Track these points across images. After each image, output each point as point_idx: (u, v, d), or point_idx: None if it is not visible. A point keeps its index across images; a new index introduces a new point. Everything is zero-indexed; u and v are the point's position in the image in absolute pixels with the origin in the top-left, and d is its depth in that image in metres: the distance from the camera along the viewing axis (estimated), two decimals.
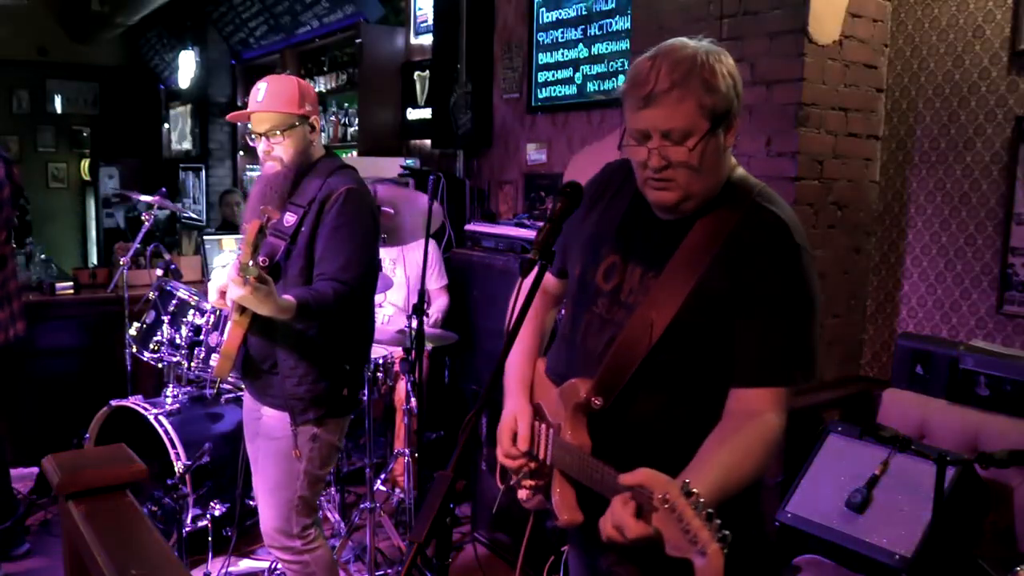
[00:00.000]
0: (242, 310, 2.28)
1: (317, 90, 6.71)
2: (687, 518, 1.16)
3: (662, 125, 1.40)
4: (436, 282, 4.11)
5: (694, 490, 1.18)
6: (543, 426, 1.63)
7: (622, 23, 3.98)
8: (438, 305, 4.13)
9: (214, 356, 3.23)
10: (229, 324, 2.33)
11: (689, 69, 1.38)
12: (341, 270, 2.30)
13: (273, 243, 2.38)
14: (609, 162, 1.72)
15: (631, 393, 1.50)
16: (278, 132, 2.39)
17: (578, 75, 4.28)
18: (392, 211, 3.54)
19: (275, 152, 2.42)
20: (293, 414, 2.39)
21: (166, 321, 3.31)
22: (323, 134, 6.57)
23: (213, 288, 2.33)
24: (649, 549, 1.28)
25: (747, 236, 1.45)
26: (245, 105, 2.49)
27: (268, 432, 2.46)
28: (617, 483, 1.32)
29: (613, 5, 4.04)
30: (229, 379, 3.27)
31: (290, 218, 2.38)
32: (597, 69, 4.17)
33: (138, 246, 4.07)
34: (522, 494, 1.71)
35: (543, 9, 4.48)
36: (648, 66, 1.41)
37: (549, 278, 1.79)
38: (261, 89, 2.43)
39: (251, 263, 2.01)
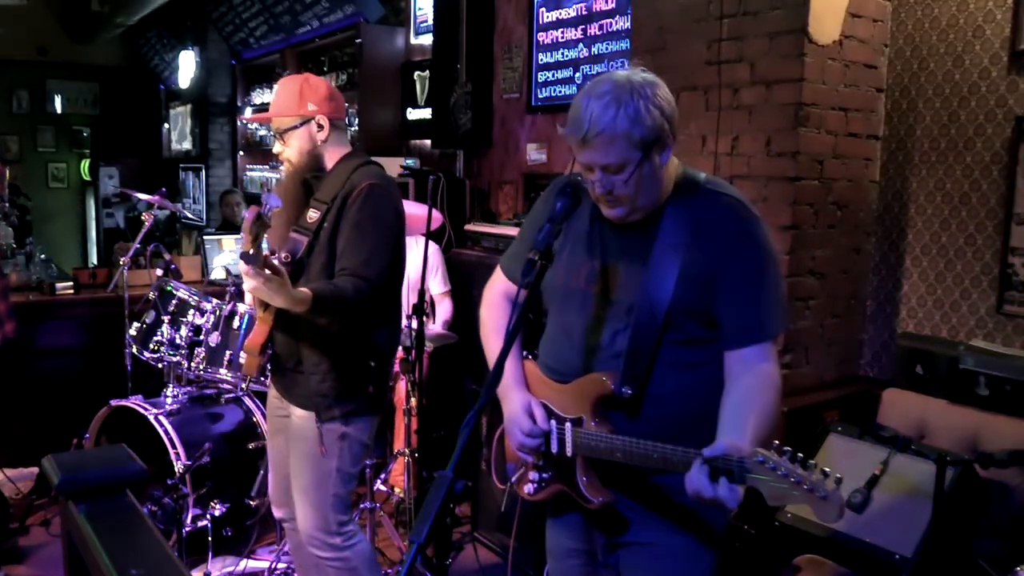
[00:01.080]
0: (265, 307, 2.29)
1: None
2: (793, 470, 1.31)
3: (599, 161, 1.57)
4: (440, 287, 4.09)
5: (786, 448, 1.33)
6: (553, 422, 1.72)
7: (622, 23, 3.98)
8: (442, 312, 4.11)
9: (218, 355, 3.23)
10: (256, 322, 2.35)
11: (616, 112, 1.53)
12: (362, 265, 2.29)
13: (296, 239, 2.38)
14: (558, 178, 1.87)
15: (649, 381, 1.64)
16: (280, 134, 2.41)
17: (578, 75, 4.28)
18: None
19: (284, 153, 2.44)
20: (318, 411, 2.39)
21: (166, 321, 3.31)
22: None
23: (247, 288, 2.35)
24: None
25: (710, 218, 1.64)
26: (246, 105, 2.51)
27: (298, 433, 2.45)
28: (699, 460, 1.43)
29: (613, 5, 4.04)
30: (229, 378, 3.27)
31: (313, 214, 2.37)
32: (597, 69, 4.16)
33: (138, 246, 4.06)
34: (528, 488, 1.78)
35: (543, 9, 4.48)
36: (581, 108, 1.56)
37: (513, 289, 1.91)
38: (272, 92, 2.46)
39: (252, 251, 1.99)
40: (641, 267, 1.64)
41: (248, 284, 2.09)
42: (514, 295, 1.90)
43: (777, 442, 1.35)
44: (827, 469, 1.30)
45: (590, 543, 1.82)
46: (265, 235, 2.22)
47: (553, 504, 1.86)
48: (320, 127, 2.41)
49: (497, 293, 1.96)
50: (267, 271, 2.01)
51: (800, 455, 1.32)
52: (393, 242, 2.40)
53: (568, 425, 1.68)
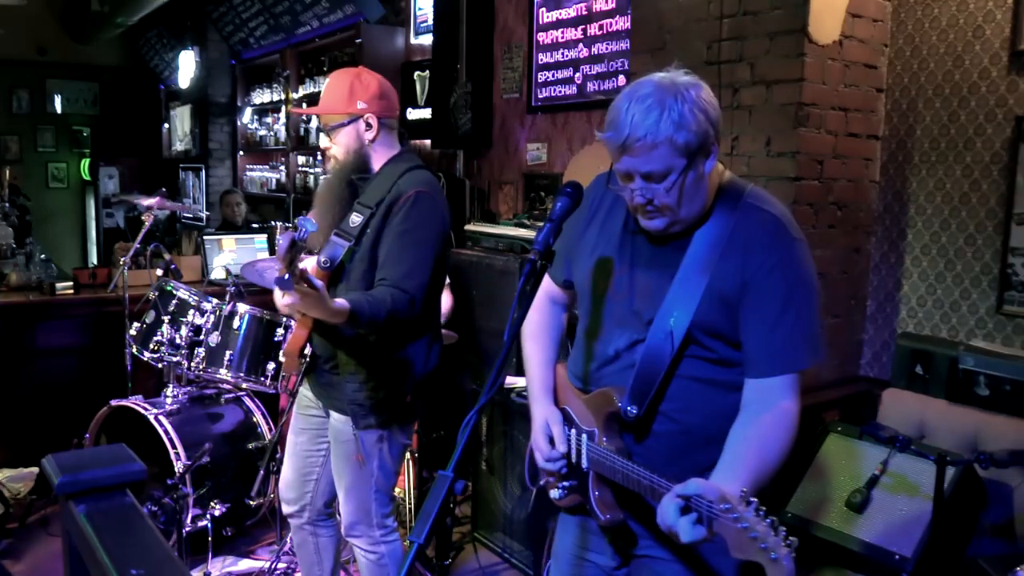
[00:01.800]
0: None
1: (316, 90, 6.70)
2: (752, 524, 1.24)
3: (641, 168, 1.48)
4: None
5: (752, 499, 1.26)
6: (573, 431, 1.70)
7: (622, 23, 3.98)
8: (443, 305, 4.10)
9: (218, 355, 3.23)
10: (294, 323, 2.34)
11: (659, 115, 1.43)
12: (403, 278, 2.22)
13: (337, 243, 2.32)
14: (600, 174, 1.78)
15: (662, 397, 1.58)
16: (328, 130, 2.37)
17: (578, 75, 4.28)
18: None
19: (331, 150, 2.40)
20: (355, 418, 2.37)
21: (166, 321, 3.31)
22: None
23: (278, 294, 2.31)
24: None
25: (746, 236, 1.53)
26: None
27: (338, 436, 2.45)
28: (671, 493, 1.37)
29: (613, 5, 4.05)
30: (229, 378, 3.27)
31: (356, 218, 2.31)
32: (597, 69, 4.17)
33: (138, 246, 4.06)
34: (554, 493, 1.76)
35: (543, 9, 4.48)
36: (622, 111, 1.46)
37: (555, 289, 1.88)
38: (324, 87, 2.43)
39: (287, 276, 1.90)
40: (668, 280, 1.56)
41: (284, 300, 2.06)
42: (555, 295, 1.89)
43: (745, 489, 1.28)
44: (784, 529, 1.23)
45: (598, 552, 1.79)
46: (300, 258, 2.14)
47: (569, 508, 1.84)
48: (369, 126, 2.35)
49: (539, 291, 1.88)
50: (304, 285, 1.94)
51: (764, 509, 1.25)
52: (437, 254, 2.32)
53: (584, 437, 1.66)
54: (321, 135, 2.43)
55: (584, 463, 1.66)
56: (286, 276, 1.88)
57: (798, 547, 1.23)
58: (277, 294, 2.13)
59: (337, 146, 2.38)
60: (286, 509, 2.70)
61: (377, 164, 2.40)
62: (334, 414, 2.45)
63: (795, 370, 1.52)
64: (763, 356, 1.52)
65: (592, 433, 1.64)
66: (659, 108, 1.44)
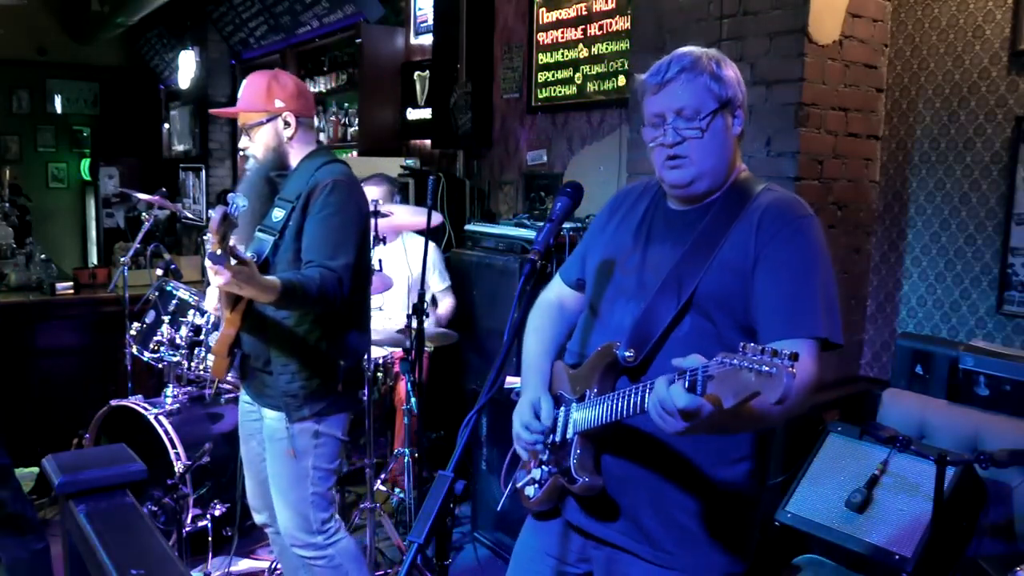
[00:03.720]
0: (232, 306, 2.28)
1: (316, 90, 6.69)
2: (751, 353, 1.17)
3: (675, 104, 1.58)
4: (440, 283, 4.10)
5: (752, 344, 1.20)
6: (561, 409, 1.68)
7: (622, 23, 3.98)
8: (445, 307, 4.10)
9: (211, 357, 3.23)
10: (222, 324, 2.34)
11: (696, 59, 1.60)
12: (329, 258, 2.28)
13: (261, 239, 2.37)
14: (636, 182, 1.86)
15: (659, 353, 1.56)
16: (247, 130, 2.42)
17: (578, 75, 4.28)
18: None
19: (249, 149, 2.44)
20: (288, 412, 2.38)
21: (166, 321, 3.31)
22: (323, 134, 6.56)
23: (211, 293, 2.34)
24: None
25: (759, 213, 1.59)
26: None
27: (272, 434, 2.45)
28: (669, 373, 1.32)
29: (613, 5, 4.05)
30: (228, 379, 3.27)
31: (278, 213, 2.36)
32: (597, 69, 4.17)
33: (138, 246, 4.07)
34: (529, 491, 1.75)
35: (543, 9, 4.48)
36: (662, 60, 1.62)
37: (567, 294, 1.88)
38: (241, 87, 2.46)
39: (220, 251, 1.94)
40: (680, 250, 1.60)
41: (217, 281, 2.05)
42: (566, 300, 1.89)
43: (743, 343, 1.21)
44: (779, 349, 1.17)
45: (563, 552, 1.76)
46: (232, 235, 2.13)
47: (539, 513, 1.81)
48: (287, 124, 2.40)
49: (551, 293, 1.92)
50: (233, 261, 1.97)
51: (764, 347, 1.18)
52: (357, 238, 2.37)
53: (574, 406, 1.64)
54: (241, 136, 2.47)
55: (570, 433, 1.64)
56: (219, 252, 1.92)
57: (796, 358, 1.15)
58: (211, 276, 2.10)
59: (256, 144, 2.42)
60: (258, 519, 2.69)
61: (294, 161, 2.44)
62: (268, 412, 2.45)
63: (807, 333, 1.49)
64: (776, 318, 1.51)
65: (584, 394, 1.62)
66: (696, 55, 1.61)
